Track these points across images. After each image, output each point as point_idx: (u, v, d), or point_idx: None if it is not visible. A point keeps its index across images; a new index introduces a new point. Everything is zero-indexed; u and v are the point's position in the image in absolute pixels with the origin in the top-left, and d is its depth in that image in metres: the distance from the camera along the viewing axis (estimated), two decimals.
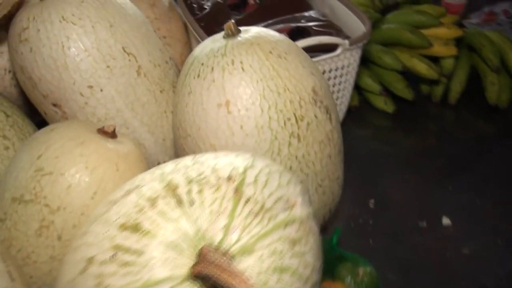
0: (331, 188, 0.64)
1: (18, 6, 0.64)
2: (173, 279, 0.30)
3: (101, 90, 0.62)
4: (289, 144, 0.57)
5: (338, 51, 0.77)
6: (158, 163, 0.69)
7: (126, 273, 0.30)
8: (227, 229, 0.31)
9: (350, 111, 0.94)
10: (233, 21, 0.60)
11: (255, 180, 0.34)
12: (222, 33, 0.61)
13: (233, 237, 0.31)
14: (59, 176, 0.52)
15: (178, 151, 0.64)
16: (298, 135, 0.57)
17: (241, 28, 0.62)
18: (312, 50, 0.78)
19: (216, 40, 0.60)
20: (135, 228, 0.31)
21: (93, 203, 0.51)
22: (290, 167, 0.58)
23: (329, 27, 0.83)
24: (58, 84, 0.61)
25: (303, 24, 0.83)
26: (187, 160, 0.36)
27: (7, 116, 0.65)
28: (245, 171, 0.34)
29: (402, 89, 0.93)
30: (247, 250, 0.31)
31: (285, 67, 0.57)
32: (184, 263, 0.31)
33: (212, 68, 0.57)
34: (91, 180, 0.52)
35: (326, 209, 0.65)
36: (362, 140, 0.92)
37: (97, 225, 0.33)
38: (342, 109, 0.87)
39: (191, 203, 0.32)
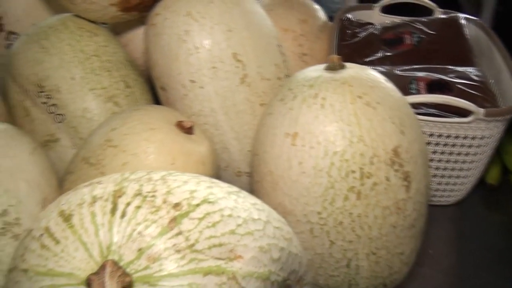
0: (388, 261, 0.57)
1: None
2: (71, 278, 0.30)
3: (201, 87, 0.64)
4: (346, 197, 0.53)
5: (469, 118, 0.67)
6: (239, 172, 0.70)
7: (40, 255, 0.32)
8: (140, 253, 0.30)
9: (484, 188, 0.82)
10: (338, 56, 0.57)
11: (203, 217, 0.32)
12: (326, 64, 0.58)
13: (142, 263, 0.30)
14: (121, 152, 0.56)
15: (251, 166, 0.64)
16: (359, 192, 0.52)
17: (349, 65, 0.58)
18: (445, 110, 0.70)
19: (315, 70, 0.58)
20: (67, 218, 0.32)
21: None
22: (341, 222, 0.54)
23: (479, 90, 0.73)
24: (167, 71, 0.65)
25: (449, 78, 0.75)
26: (157, 174, 0.36)
27: (127, 86, 0.71)
28: (198, 205, 0.33)
29: None
30: (148, 282, 0.30)
31: (369, 116, 0.53)
32: (87, 268, 0.31)
33: (295, 96, 0.55)
34: (145, 165, 0.55)
35: (378, 281, 0.58)
36: (485, 227, 0.79)
37: (53, 203, 0.35)
38: (465, 182, 0.76)
39: (123, 215, 0.32)
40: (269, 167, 0.56)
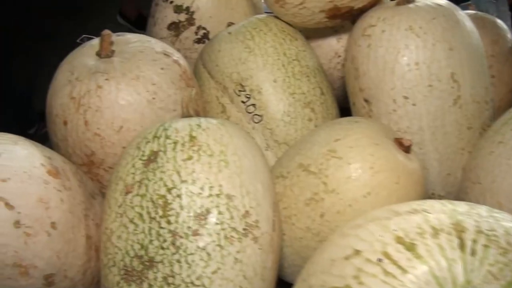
0: None
1: (373, 4, 0.69)
2: None
3: (413, 105, 0.63)
4: None
5: None
6: (432, 194, 0.68)
7: (383, 281, 0.31)
8: None
9: None
10: None
11: None
12: None
13: None
14: (345, 164, 0.55)
15: (458, 192, 0.62)
16: None
17: None
18: None
19: None
20: (410, 247, 0.32)
21: (363, 201, 0.54)
22: None
23: None
24: (378, 84, 0.64)
25: None
26: (482, 209, 0.35)
27: (322, 93, 0.71)
28: None
29: None
30: None
31: None
32: None
33: None
34: (370, 180, 0.54)
35: None
36: None
37: (374, 226, 0.34)
38: None
39: (473, 253, 0.31)
40: (498, 198, 0.54)
